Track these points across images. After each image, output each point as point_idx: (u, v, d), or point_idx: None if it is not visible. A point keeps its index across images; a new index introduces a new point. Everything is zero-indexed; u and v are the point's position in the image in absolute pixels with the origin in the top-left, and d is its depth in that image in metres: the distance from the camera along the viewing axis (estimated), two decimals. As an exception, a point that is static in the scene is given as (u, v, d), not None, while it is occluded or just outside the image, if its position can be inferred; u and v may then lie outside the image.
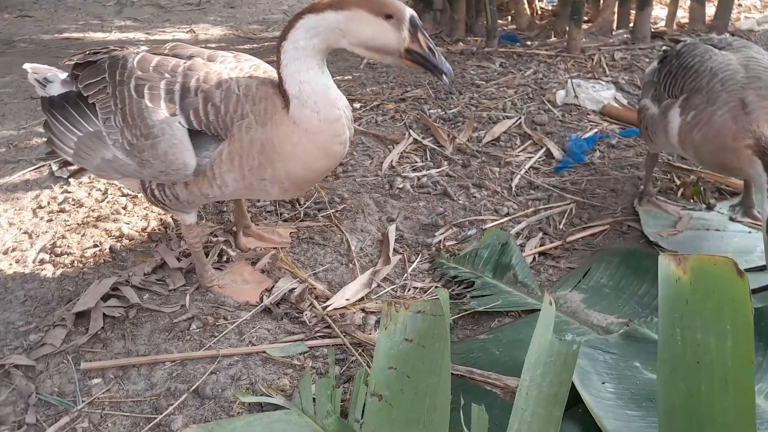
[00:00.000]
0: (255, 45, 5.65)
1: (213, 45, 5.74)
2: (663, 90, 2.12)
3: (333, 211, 2.49)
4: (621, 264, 2.02)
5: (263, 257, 2.16)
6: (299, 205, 2.55)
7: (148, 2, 7.36)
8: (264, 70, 1.81)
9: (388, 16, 1.51)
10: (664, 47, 2.32)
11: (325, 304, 1.94)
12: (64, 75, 1.95)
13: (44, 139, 2.04)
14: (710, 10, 4.56)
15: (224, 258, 2.21)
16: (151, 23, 6.60)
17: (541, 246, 2.23)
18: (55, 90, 1.91)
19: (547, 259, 2.18)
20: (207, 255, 2.19)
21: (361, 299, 1.98)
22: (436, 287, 2.02)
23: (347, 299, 1.96)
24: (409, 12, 1.52)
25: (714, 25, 4.42)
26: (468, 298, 1.98)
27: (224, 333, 1.85)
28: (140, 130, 1.71)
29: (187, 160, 1.70)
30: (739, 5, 5.42)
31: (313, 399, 1.52)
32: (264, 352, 1.77)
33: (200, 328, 1.88)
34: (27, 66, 2.00)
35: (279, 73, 1.65)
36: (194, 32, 6.19)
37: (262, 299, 1.98)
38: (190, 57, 1.80)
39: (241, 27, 6.46)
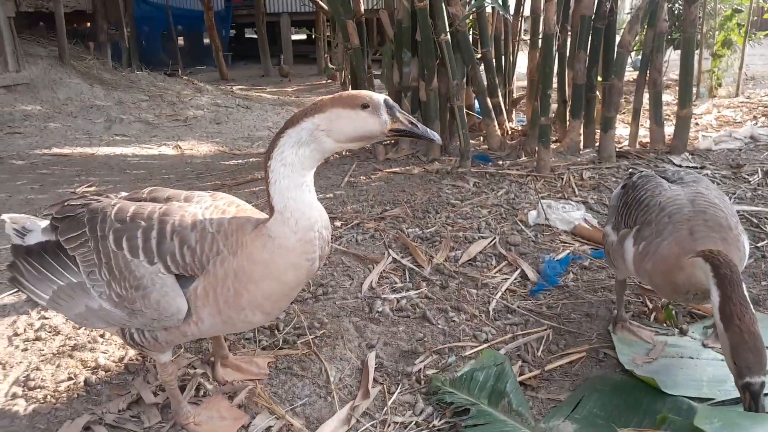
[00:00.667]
0: (240, 161, 5.86)
1: (199, 161, 5.94)
2: (620, 220, 2.25)
3: (312, 337, 2.49)
4: (613, 394, 2.06)
5: (240, 392, 2.13)
6: (278, 331, 2.56)
7: (137, 119, 7.66)
8: (237, 204, 1.87)
9: (364, 106, 1.59)
10: (630, 170, 2.47)
11: (302, 445, 1.91)
12: (43, 223, 1.98)
13: (7, 275, 2.02)
14: (670, 128, 4.87)
15: (201, 392, 2.18)
16: (139, 139, 6.84)
17: (520, 375, 2.24)
18: (34, 239, 1.94)
19: (526, 389, 2.18)
20: (184, 389, 2.17)
21: (340, 438, 1.95)
22: (416, 423, 2.00)
23: (325, 438, 1.92)
24: (381, 97, 1.61)
25: (673, 144, 4.71)
26: (461, 426, 1.97)
27: (199, 477, 1.79)
28: (129, 282, 1.74)
29: (180, 305, 1.73)
30: (696, 124, 5.81)
31: None
32: (239, 499, 1.71)
33: (174, 471, 1.82)
34: (5, 216, 2.01)
35: (267, 190, 1.68)
36: (180, 148, 6.41)
37: (238, 438, 1.94)
38: (167, 199, 1.85)
39: (227, 143, 6.72)
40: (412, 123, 1.62)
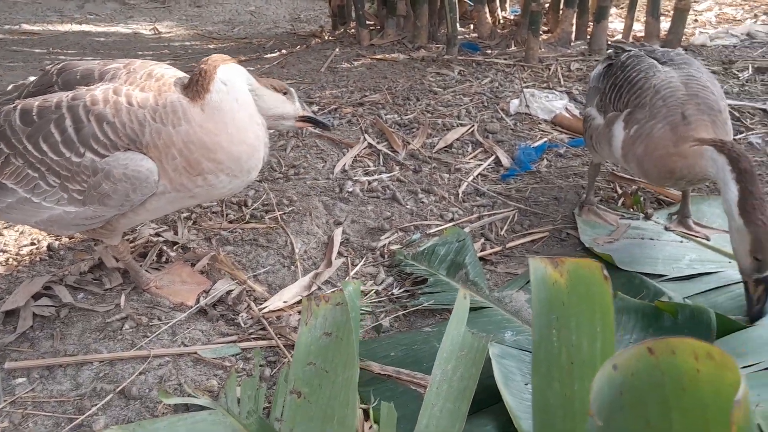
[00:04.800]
0: (220, 44, 5.63)
1: (177, 44, 5.69)
2: (608, 102, 2.16)
3: (280, 213, 2.49)
4: None
5: (202, 258, 2.14)
6: (245, 207, 2.54)
7: (112, -2, 7.27)
8: (158, 77, 1.72)
9: (285, 93, 1.92)
10: (609, 51, 2.38)
11: (261, 306, 1.94)
12: None
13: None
14: (666, 24, 4.69)
15: (164, 258, 2.19)
16: (114, 19, 6.51)
17: (482, 251, 2.26)
18: None
19: (486, 264, 2.21)
20: (146, 255, 2.17)
21: (299, 302, 1.98)
22: (377, 292, 2.04)
23: (285, 301, 1.96)
24: (295, 91, 1.96)
25: (668, 39, 4.55)
26: (418, 294, 2.01)
27: (157, 333, 1.83)
28: (83, 174, 1.62)
29: (148, 165, 1.62)
30: (695, 20, 5.59)
31: (238, 399, 1.52)
32: (196, 353, 1.76)
33: (133, 328, 1.86)
34: None
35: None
36: (157, 30, 6.12)
37: (198, 301, 1.97)
38: (80, 78, 1.71)
39: (206, 26, 6.42)
40: (313, 112, 2.05)
